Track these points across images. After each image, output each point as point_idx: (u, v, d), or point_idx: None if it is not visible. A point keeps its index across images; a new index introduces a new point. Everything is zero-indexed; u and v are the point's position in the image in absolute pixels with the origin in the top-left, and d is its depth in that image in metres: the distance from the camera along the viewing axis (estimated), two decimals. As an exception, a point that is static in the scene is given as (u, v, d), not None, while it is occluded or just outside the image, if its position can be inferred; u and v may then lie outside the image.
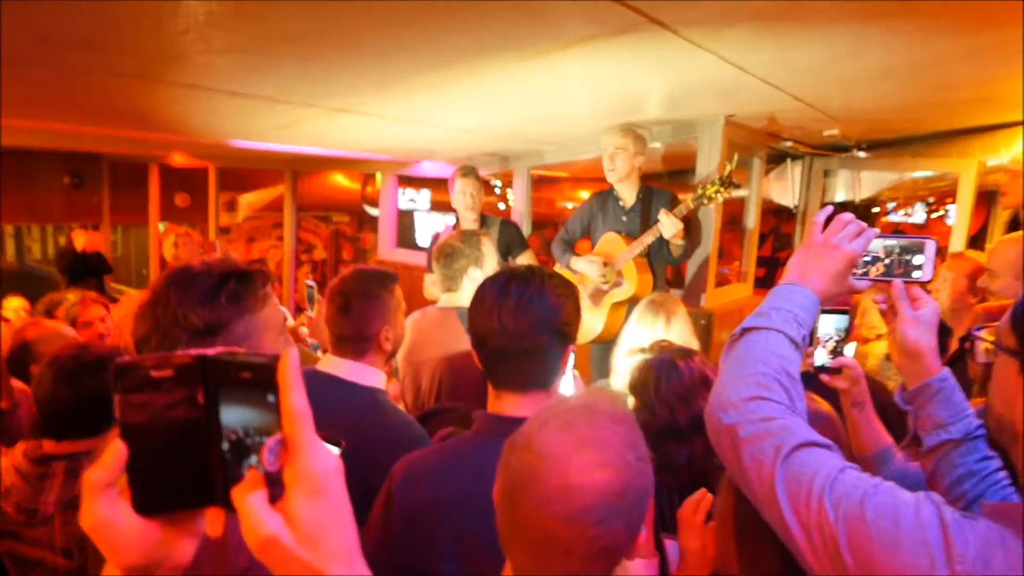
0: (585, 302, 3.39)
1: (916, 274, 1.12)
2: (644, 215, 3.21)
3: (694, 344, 2.24)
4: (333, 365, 1.71)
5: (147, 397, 0.50)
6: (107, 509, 0.51)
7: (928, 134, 4.07)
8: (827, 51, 2.15)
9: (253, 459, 0.51)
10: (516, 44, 1.94)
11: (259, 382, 0.51)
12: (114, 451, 0.50)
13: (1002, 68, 2.50)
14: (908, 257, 1.12)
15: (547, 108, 2.99)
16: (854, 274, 1.10)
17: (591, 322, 3.34)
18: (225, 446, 0.50)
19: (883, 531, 0.74)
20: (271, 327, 1.13)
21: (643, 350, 1.97)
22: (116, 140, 3.92)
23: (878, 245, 1.12)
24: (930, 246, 1.12)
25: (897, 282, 1.12)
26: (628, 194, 3.31)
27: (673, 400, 1.69)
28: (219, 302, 1.05)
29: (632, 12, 1.64)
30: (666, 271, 3.37)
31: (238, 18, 1.60)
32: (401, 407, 2.51)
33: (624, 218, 3.33)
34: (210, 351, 0.50)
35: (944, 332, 2.52)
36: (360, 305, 1.70)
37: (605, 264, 3.27)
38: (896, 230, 7.05)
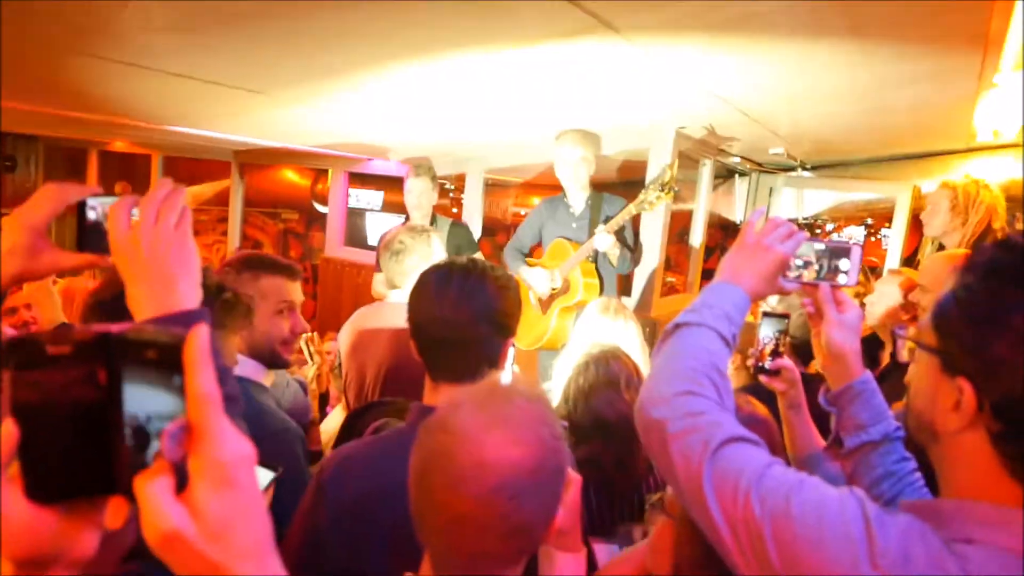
0: (534, 307, 3.40)
1: (842, 279, 1.15)
2: (593, 221, 3.24)
3: (645, 350, 2.26)
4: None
5: (43, 375, 0.45)
6: None
7: (869, 158, 4.24)
8: (775, 67, 2.20)
9: (158, 446, 0.47)
10: (468, 39, 1.93)
11: (165, 362, 0.47)
12: (4, 433, 0.46)
13: (939, 97, 2.62)
14: (835, 262, 1.15)
15: (499, 109, 2.99)
16: (784, 276, 1.12)
17: (539, 328, 3.35)
18: (127, 431, 0.46)
19: (808, 527, 0.73)
20: None
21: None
22: (53, 121, 3.76)
23: (807, 249, 1.14)
24: (855, 252, 1.15)
25: (824, 285, 1.15)
26: (578, 200, 3.34)
27: (577, 396, 1.71)
28: None
29: (585, 14, 1.64)
30: (616, 280, 3.40)
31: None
32: (342, 401, 2.48)
33: (573, 224, 3.35)
34: (114, 327, 0.46)
35: (878, 345, 2.60)
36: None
37: (550, 270, 3.29)
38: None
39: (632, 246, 3.28)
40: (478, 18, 1.75)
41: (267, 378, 1.76)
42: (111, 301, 1.53)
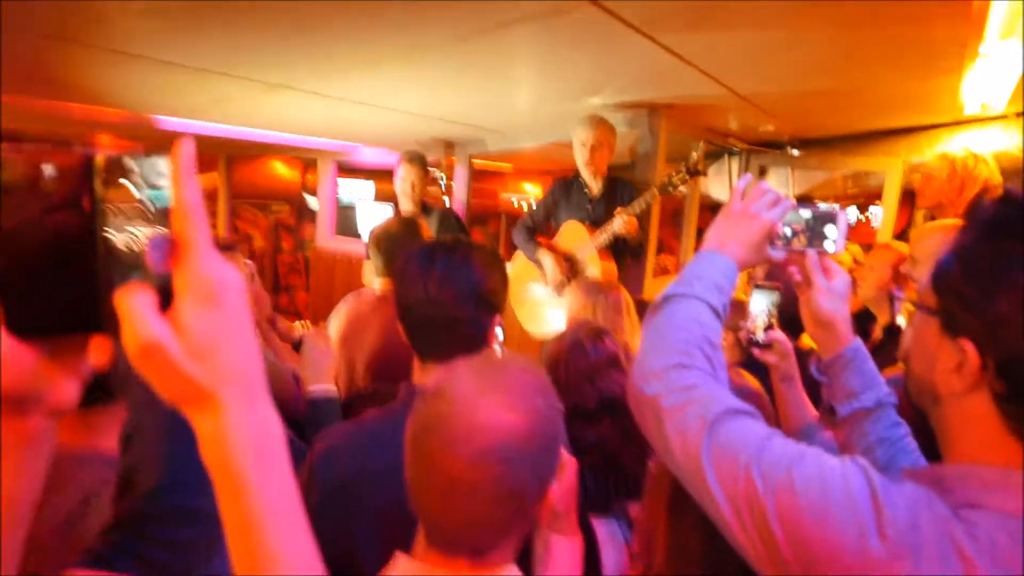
0: (547, 292, 3.39)
1: (828, 245, 1.14)
2: (609, 205, 3.21)
3: (638, 330, 2.26)
4: None
5: (25, 197, 0.43)
6: None
7: (857, 133, 4.22)
8: (759, 42, 2.19)
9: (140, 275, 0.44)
10: (451, 22, 1.92)
11: (148, 178, 0.45)
12: None
13: (924, 69, 2.61)
14: (821, 228, 1.14)
15: (487, 92, 2.97)
16: (772, 244, 1.11)
17: (555, 313, 3.33)
18: (112, 261, 0.44)
19: (812, 499, 0.72)
20: None
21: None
22: (35, 116, 3.72)
23: (793, 216, 1.13)
24: (841, 217, 1.14)
25: (811, 252, 1.14)
26: (593, 182, 3.32)
27: (579, 380, 1.70)
28: None
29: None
30: (627, 261, 3.37)
31: (161, -24, 1.53)
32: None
33: (588, 206, 3.33)
34: (98, 151, 0.44)
35: (869, 319, 2.61)
36: None
37: (566, 259, 3.27)
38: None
39: (647, 229, 3.26)
40: (460, 1, 1.74)
41: None
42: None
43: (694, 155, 2.94)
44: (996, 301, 0.73)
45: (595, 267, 3.18)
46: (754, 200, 1.08)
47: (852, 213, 7.51)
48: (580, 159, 3.26)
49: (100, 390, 1.13)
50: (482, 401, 0.79)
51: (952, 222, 2.49)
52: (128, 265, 0.45)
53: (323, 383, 1.90)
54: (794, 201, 1.11)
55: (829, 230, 1.13)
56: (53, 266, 0.44)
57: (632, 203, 3.04)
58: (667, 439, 0.85)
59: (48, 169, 0.43)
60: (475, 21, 1.92)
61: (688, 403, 0.85)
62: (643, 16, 1.88)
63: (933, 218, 3.08)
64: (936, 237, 2.21)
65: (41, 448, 0.51)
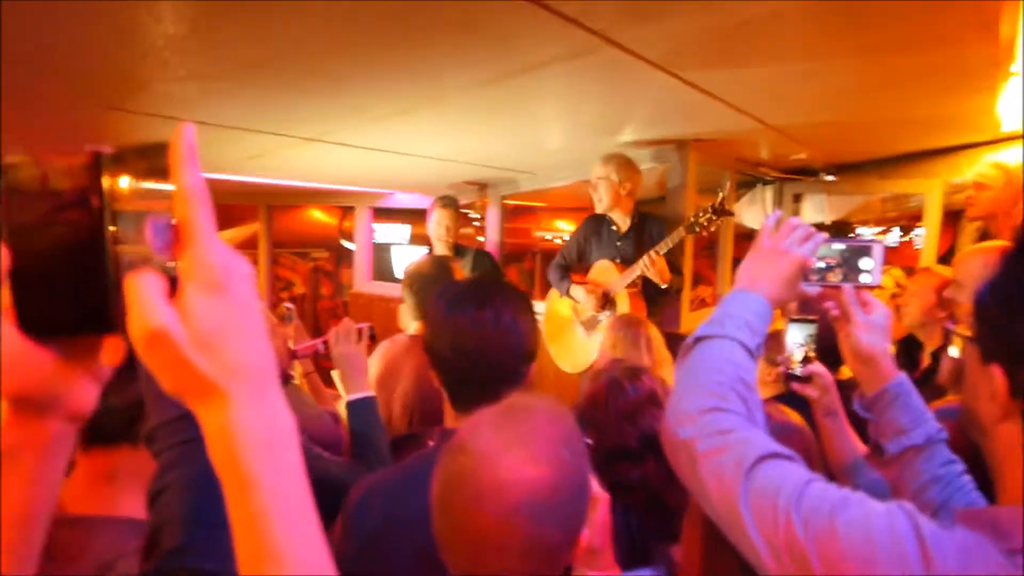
0: (579, 330, 3.38)
1: (864, 278, 1.11)
2: (638, 241, 3.20)
3: (666, 365, 2.23)
4: None
5: (36, 197, 0.43)
6: None
7: (893, 156, 4.15)
8: (782, 73, 2.19)
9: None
10: (475, 69, 1.96)
11: (156, 171, 0.44)
12: None
13: (958, 88, 2.57)
14: (856, 261, 1.11)
15: (515, 135, 3.01)
16: (806, 279, 1.08)
17: (586, 350, 3.31)
18: (122, 262, 0.43)
19: (856, 546, 0.69)
20: None
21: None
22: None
23: (827, 250, 1.11)
24: (877, 249, 1.11)
25: (847, 287, 1.11)
26: (622, 219, 3.31)
27: (620, 420, 1.67)
28: None
29: (587, 33, 1.66)
30: (665, 301, 3.34)
31: (197, 42, 1.60)
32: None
33: (618, 243, 3.31)
34: (106, 148, 0.44)
35: (916, 346, 2.53)
36: None
37: (602, 293, 3.25)
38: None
39: (679, 268, 3.21)
40: (484, 49, 1.77)
41: None
42: None
43: (720, 194, 2.90)
44: (1020, 326, 0.71)
45: (624, 306, 3.15)
46: (784, 236, 1.06)
47: (894, 235, 7.36)
48: (602, 201, 3.25)
49: (125, 428, 1.16)
50: (506, 456, 0.79)
51: (995, 244, 2.42)
52: (138, 261, 0.44)
53: (361, 391, 1.83)
54: (827, 234, 1.09)
55: (864, 263, 1.11)
56: (63, 265, 0.43)
57: (659, 242, 3.00)
58: (703, 483, 0.83)
59: (57, 168, 0.43)
60: (498, 66, 1.96)
61: (724, 447, 0.83)
62: (663, 54, 1.89)
63: (984, 231, 3.00)
64: (979, 260, 2.14)
65: (59, 454, 0.50)
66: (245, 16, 1.46)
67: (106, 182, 0.43)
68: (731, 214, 2.95)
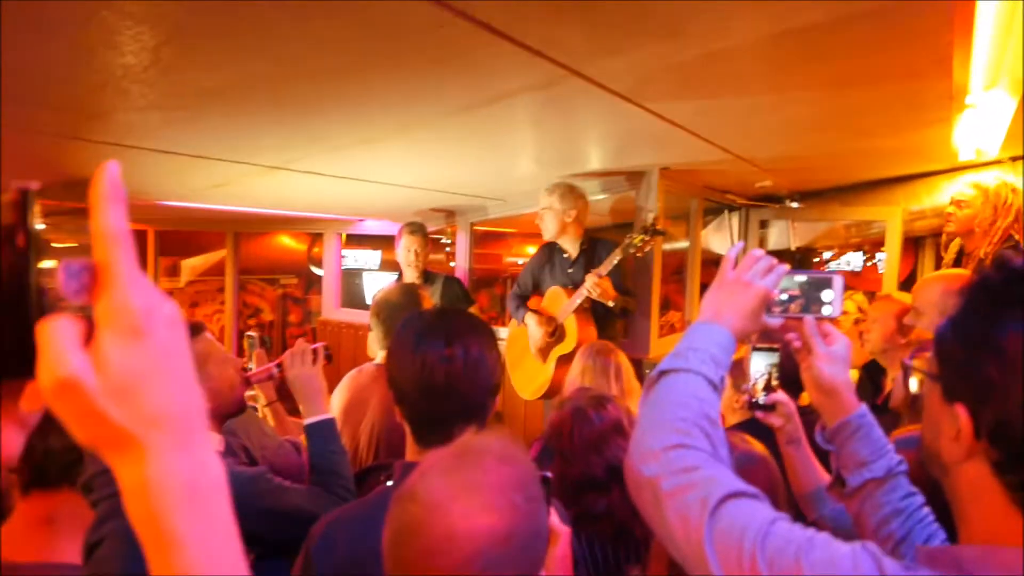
0: (535, 357, 3.38)
1: (826, 309, 1.12)
2: (588, 266, 3.23)
3: (635, 394, 2.23)
4: None
5: None
6: None
7: (855, 184, 4.26)
8: (746, 104, 2.23)
9: None
10: (441, 99, 1.96)
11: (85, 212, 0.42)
12: None
13: (915, 120, 2.64)
14: (817, 293, 1.12)
15: (485, 163, 3.02)
16: (768, 311, 1.08)
17: (540, 378, 3.32)
18: (47, 300, 0.41)
19: None
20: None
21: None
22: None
23: (789, 282, 1.12)
24: (838, 281, 1.12)
25: (809, 318, 1.11)
26: (571, 246, 3.35)
27: (585, 449, 1.66)
28: None
29: (553, 65, 1.67)
30: (616, 323, 3.38)
31: (157, 72, 1.58)
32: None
33: (569, 270, 3.35)
34: (33, 184, 0.42)
35: (879, 371, 2.57)
36: None
37: (552, 321, 3.27)
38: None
39: (628, 289, 3.26)
40: (452, 79, 1.78)
41: (218, 444, 1.69)
42: None
43: (652, 214, 3.00)
44: (984, 367, 0.71)
45: (572, 331, 3.17)
46: (747, 268, 1.06)
47: (858, 260, 7.51)
48: (549, 229, 3.31)
49: (65, 470, 1.12)
50: (456, 505, 0.76)
51: (953, 272, 2.48)
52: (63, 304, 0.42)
53: (318, 414, 1.79)
54: (788, 266, 1.09)
55: (826, 294, 1.12)
56: None
57: (599, 265, 3.06)
58: (667, 523, 0.82)
59: None
60: (465, 97, 1.97)
61: (689, 486, 0.82)
62: (629, 85, 1.92)
63: (962, 249, 3.08)
64: (938, 287, 2.19)
65: None
66: (206, 46, 1.45)
67: (31, 220, 0.41)
68: (663, 233, 3.04)
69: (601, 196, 3.62)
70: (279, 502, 1.59)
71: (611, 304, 3.09)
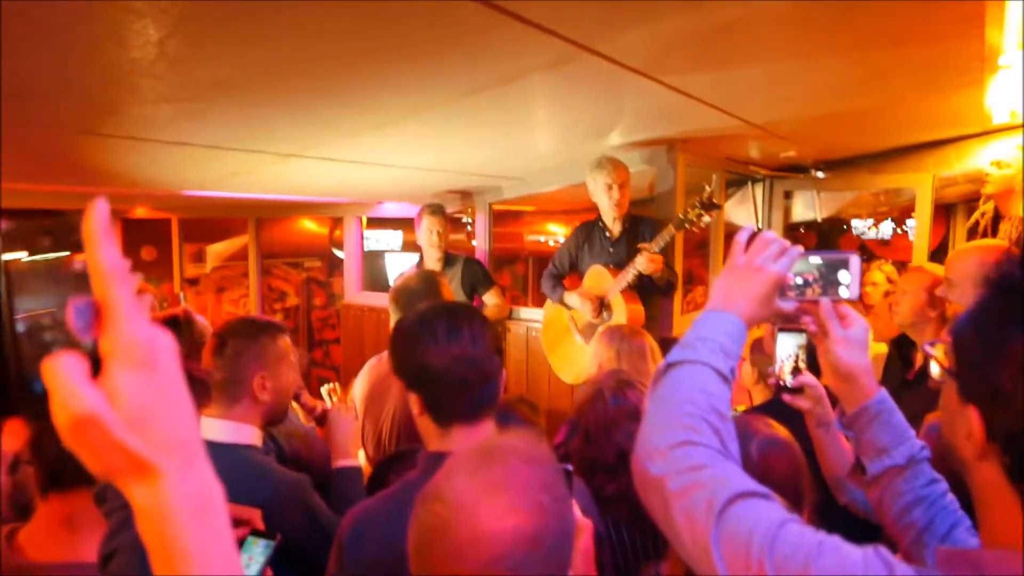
0: (577, 338, 3.35)
1: (843, 292, 1.06)
2: (631, 245, 3.17)
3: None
4: (203, 428, 1.64)
5: None
6: None
7: (882, 151, 4.13)
8: (767, 72, 2.16)
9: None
10: (454, 80, 1.93)
11: (64, 246, 0.43)
12: None
13: (946, 82, 2.54)
14: (834, 275, 1.07)
15: (500, 143, 2.98)
16: (782, 295, 1.04)
17: (586, 359, 3.27)
18: (23, 334, 0.41)
19: None
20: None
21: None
22: (72, 198, 3.85)
23: (803, 264, 1.07)
24: (854, 261, 1.07)
25: (825, 301, 1.07)
26: (614, 224, 3.29)
27: (597, 431, 1.66)
28: None
29: (565, 42, 1.62)
30: (658, 299, 3.32)
31: (165, 66, 1.56)
32: (362, 455, 2.45)
33: (611, 249, 3.29)
34: (2, 224, 0.42)
35: (909, 345, 2.51)
36: (235, 345, 1.63)
37: (597, 299, 3.23)
38: (861, 245, 7.13)
39: (669, 264, 3.19)
40: (463, 61, 1.74)
41: (258, 439, 1.72)
42: None
43: (708, 188, 2.89)
44: (998, 372, 0.68)
45: (621, 310, 3.12)
46: (759, 252, 1.01)
47: (887, 227, 7.35)
48: (601, 203, 3.23)
49: (82, 471, 1.12)
50: (483, 506, 0.75)
51: (989, 243, 2.39)
52: (49, 339, 0.42)
53: (349, 459, 1.88)
54: (802, 248, 1.05)
55: (842, 276, 1.07)
56: None
57: (652, 240, 2.99)
58: (674, 523, 0.79)
59: None
60: (478, 78, 1.93)
61: (696, 485, 0.79)
62: (642, 60, 1.86)
63: (996, 212, 3.00)
64: (972, 258, 2.12)
65: None
66: (212, 37, 1.43)
67: (6, 258, 0.40)
68: (720, 207, 2.93)
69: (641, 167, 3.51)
70: (319, 508, 1.66)
71: (658, 276, 3.04)
